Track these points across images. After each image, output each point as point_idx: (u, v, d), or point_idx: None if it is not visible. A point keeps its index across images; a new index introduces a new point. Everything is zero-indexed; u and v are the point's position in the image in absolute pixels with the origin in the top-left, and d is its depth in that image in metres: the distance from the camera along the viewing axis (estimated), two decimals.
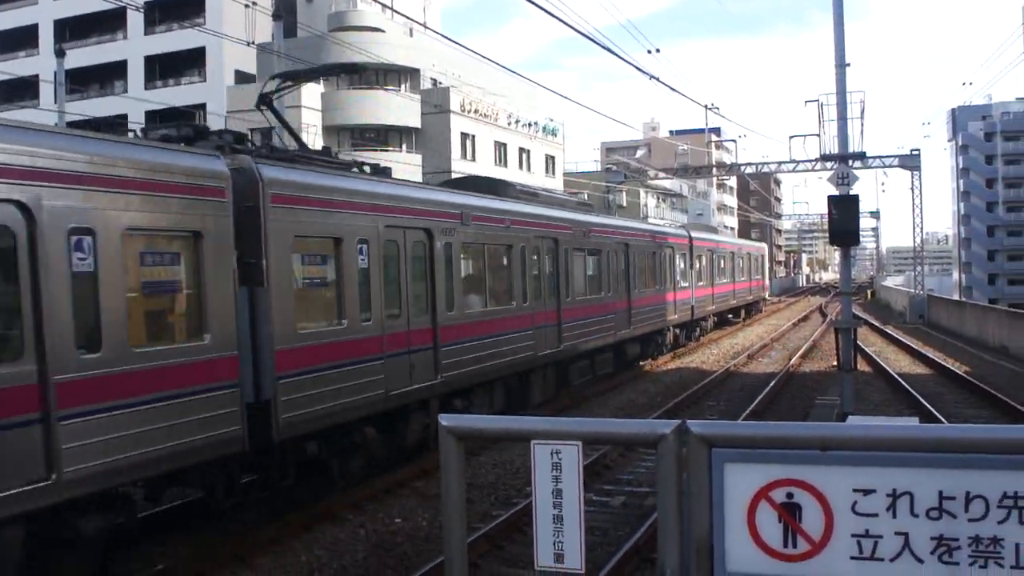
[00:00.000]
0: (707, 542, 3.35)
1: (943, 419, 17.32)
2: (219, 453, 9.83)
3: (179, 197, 9.39)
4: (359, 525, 11.60)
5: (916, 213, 53.02)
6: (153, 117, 56.30)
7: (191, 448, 9.30)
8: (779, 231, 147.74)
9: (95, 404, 8.26)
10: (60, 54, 32.51)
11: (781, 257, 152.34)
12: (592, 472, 13.58)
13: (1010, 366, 26.81)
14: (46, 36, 63.89)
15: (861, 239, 39.20)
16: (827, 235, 23.75)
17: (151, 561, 9.85)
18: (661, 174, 61.84)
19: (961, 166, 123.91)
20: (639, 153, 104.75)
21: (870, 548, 3.26)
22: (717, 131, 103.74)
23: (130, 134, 12.64)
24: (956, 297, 61.62)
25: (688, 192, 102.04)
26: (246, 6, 28.49)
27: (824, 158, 24.70)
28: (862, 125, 21.86)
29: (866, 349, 29.88)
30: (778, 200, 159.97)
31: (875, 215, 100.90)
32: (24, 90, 62.19)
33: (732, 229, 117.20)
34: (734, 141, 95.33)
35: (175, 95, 57.29)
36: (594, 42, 20.12)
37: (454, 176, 40.03)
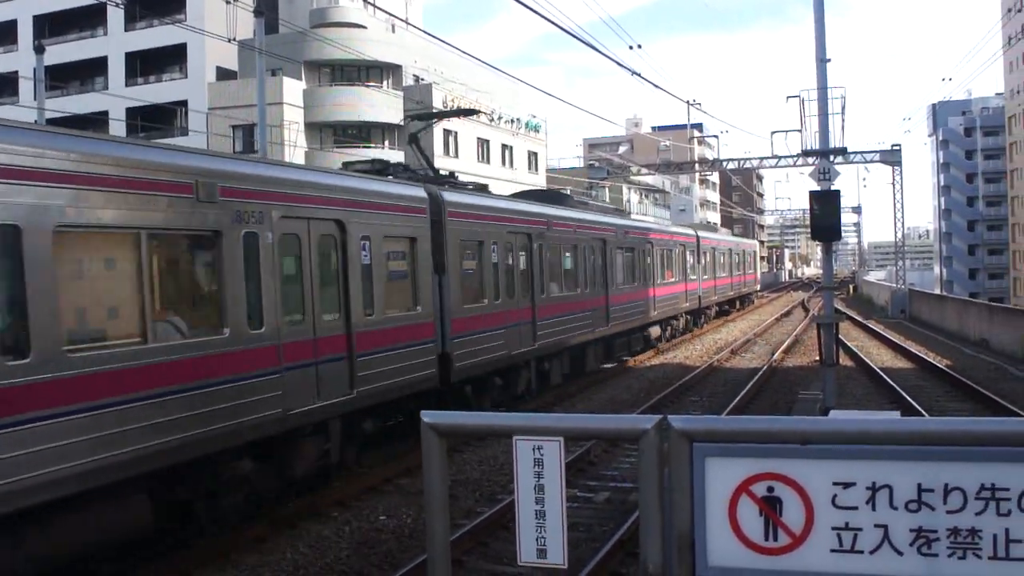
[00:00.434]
0: (688, 536, 3.37)
1: (924, 412, 17.44)
2: (425, 387, 14.57)
3: (405, 214, 14.30)
4: (344, 523, 11.59)
5: (897, 208, 53.35)
6: (134, 114, 56.02)
7: (414, 380, 14.08)
8: (761, 227, 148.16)
9: (371, 349, 12.85)
10: (40, 50, 32.23)
11: (763, 253, 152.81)
12: (576, 468, 13.60)
13: (990, 359, 27.03)
14: (25, 32, 63.38)
15: (843, 234, 39.45)
16: (809, 230, 23.89)
17: (136, 563, 9.81)
18: (644, 170, 61.93)
19: (941, 161, 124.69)
20: (622, 149, 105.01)
21: (850, 541, 3.28)
22: (699, 127, 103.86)
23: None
24: (937, 291, 62.05)
25: (671, 188, 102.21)
26: (227, 2, 28.34)
27: (806, 154, 24.83)
28: (843, 121, 22.00)
29: (848, 344, 30.04)
30: (760, 196, 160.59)
31: (857, 210, 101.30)
32: (3, 87, 61.76)
33: (715, 225, 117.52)
34: (716, 137, 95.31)
35: (156, 92, 56.99)
36: (576, 38, 20.11)
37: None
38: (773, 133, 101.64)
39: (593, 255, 23.66)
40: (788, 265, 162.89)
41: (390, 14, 48.07)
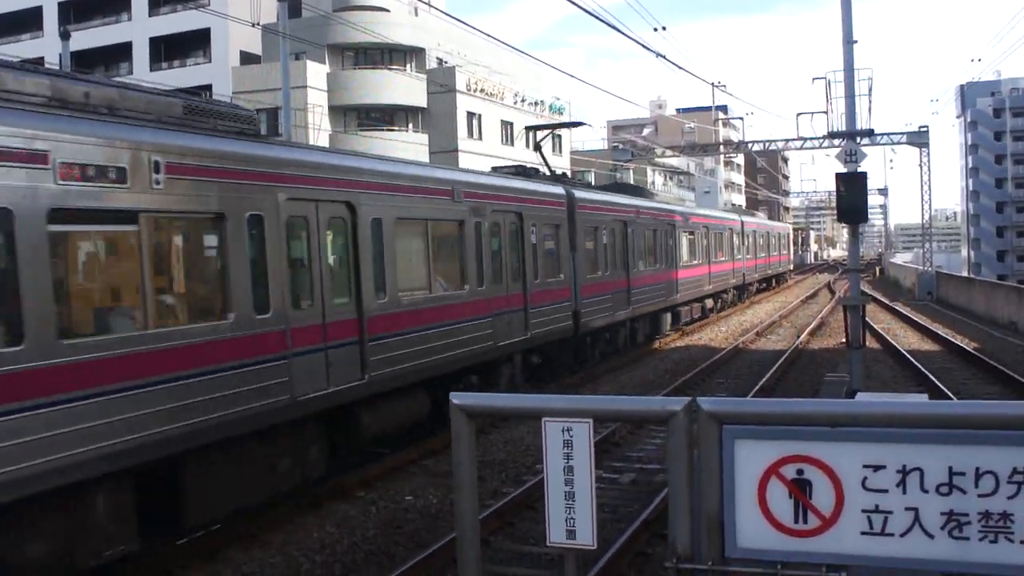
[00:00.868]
0: (718, 518, 3.37)
1: (952, 395, 17.32)
2: (565, 336, 19.79)
3: (553, 207, 19.43)
4: (370, 503, 11.67)
5: (924, 190, 52.85)
6: None
7: (561, 329, 19.40)
8: (787, 209, 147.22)
9: (539, 304, 18.11)
10: (65, 36, 32.42)
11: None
12: (601, 449, 13.62)
13: (1019, 342, 26.76)
14: (50, 18, 63.72)
15: (869, 216, 39.24)
16: (835, 212, 23.77)
17: (161, 543, 9.91)
18: (668, 152, 61.64)
19: (970, 142, 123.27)
20: (646, 131, 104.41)
21: (880, 524, 3.28)
22: (724, 109, 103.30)
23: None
24: (965, 274, 61.51)
25: (695, 170, 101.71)
26: None
27: (832, 135, 24.62)
28: (870, 102, 21.87)
29: (875, 326, 29.84)
30: (786, 178, 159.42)
31: (883, 192, 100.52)
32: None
33: (739, 206, 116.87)
34: (741, 119, 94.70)
35: (180, 77, 57.14)
36: (600, 20, 20.02)
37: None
38: (799, 115, 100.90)
39: (666, 238, 28.54)
40: (813, 247, 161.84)
41: None
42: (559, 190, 20.11)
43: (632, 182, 65.31)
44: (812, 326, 31.93)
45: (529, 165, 22.54)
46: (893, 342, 26.46)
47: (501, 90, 59.60)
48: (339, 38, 53.19)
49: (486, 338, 15.64)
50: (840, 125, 20.99)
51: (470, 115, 56.06)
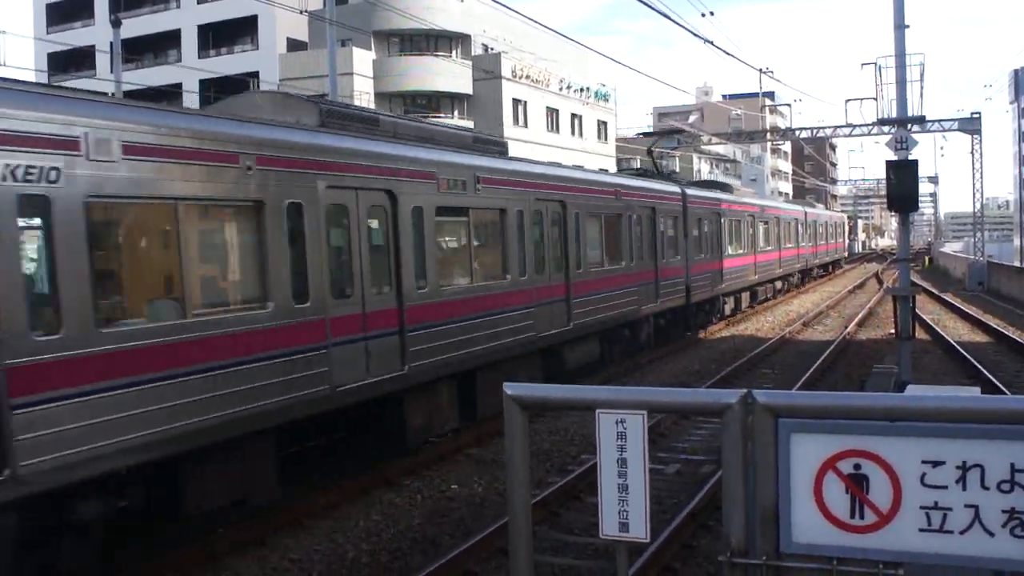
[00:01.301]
0: (773, 512, 3.33)
1: (1005, 388, 17.04)
2: (679, 304, 24.24)
3: (673, 202, 23.96)
4: (415, 491, 11.73)
5: (976, 178, 52.01)
6: (206, 86, 56.78)
7: (677, 300, 23.79)
8: (834, 197, 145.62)
9: (667, 278, 23.02)
10: (116, 24, 32.82)
11: None
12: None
13: None
14: (101, 6, 64.48)
15: (919, 205, 38.78)
16: (884, 200, 23.50)
17: (213, 527, 10.04)
18: (714, 139, 61.15)
19: (1023, 129, 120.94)
20: (692, 118, 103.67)
21: (939, 520, 3.22)
22: (771, 95, 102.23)
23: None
24: (1017, 263, 60.36)
25: (741, 157, 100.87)
26: None
27: (882, 122, 24.30)
28: (921, 88, 21.52)
29: (924, 317, 29.43)
30: (833, 165, 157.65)
31: (934, 180, 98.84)
32: (81, 60, 62.94)
33: (786, 195, 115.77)
34: (788, 105, 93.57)
35: (228, 64, 57.65)
36: (647, 5, 19.82)
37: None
38: (847, 101, 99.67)
39: (748, 227, 33.20)
40: (861, 236, 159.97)
41: None
42: (676, 188, 25.03)
43: (678, 169, 65.04)
44: (860, 316, 31.58)
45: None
46: (943, 333, 26.09)
47: (547, 76, 59.45)
48: (385, 24, 53.36)
49: (633, 303, 20.78)
50: (890, 112, 20.69)
51: (515, 102, 56.02)
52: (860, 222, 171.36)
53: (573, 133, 62.60)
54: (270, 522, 10.20)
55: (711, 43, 26.17)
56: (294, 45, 58.85)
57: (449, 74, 54.60)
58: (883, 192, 24.87)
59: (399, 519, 10.64)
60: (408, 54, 55.62)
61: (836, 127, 49.64)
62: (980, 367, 19.43)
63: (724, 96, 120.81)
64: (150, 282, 9.07)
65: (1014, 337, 25.09)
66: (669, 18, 23.36)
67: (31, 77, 51.88)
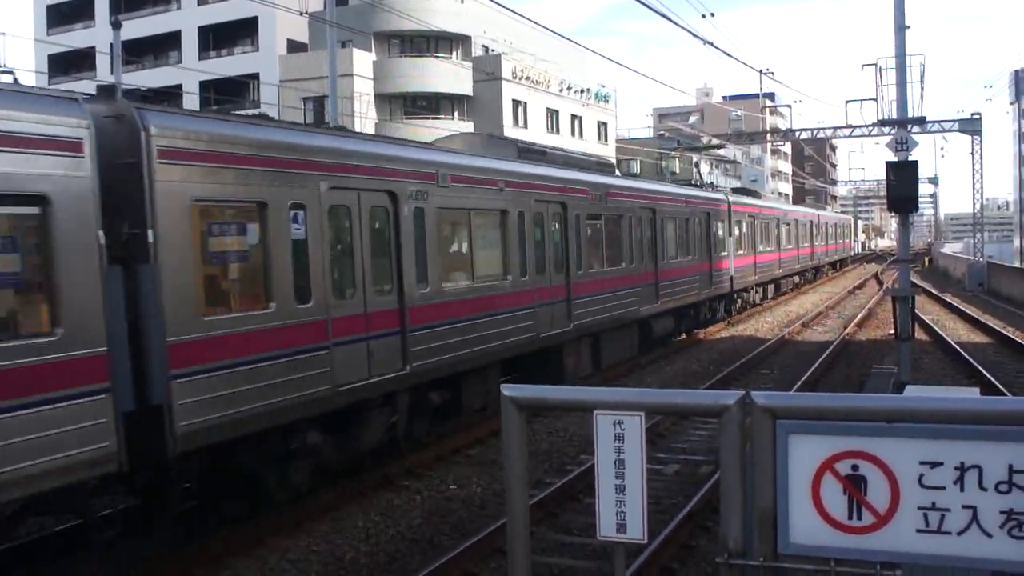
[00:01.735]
0: (770, 513, 3.33)
1: (1005, 389, 17.02)
2: (725, 292, 29.82)
3: (718, 208, 29.33)
4: (415, 492, 11.73)
5: (976, 179, 52.00)
6: (207, 87, 56.78)
7: (720, 290, 29.21)
8: (834, 197, 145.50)
9: (717, 269, 28.72)
10: (116, 26, 32.73)
11: None
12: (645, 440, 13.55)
13: None
14: (102, 8, 64.48)
15: (919, 205, 38.97)
16: (884, 201, 23.50)
17: (210, 530, 10.04)
18: (714, 140, 61.12)
19: (1023, 130, 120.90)
20: (692, 119, 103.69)
21: (937, 521, 3.21)
22: (771, 96, 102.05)
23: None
24: (1017, 264, 60.31)
25: (741, 158, 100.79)
26: None
27: (882, 123, 24.31)
28: (921, 89, 21.54)
29: (923, 317, 29.42)
30: (833, 166, 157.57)
31: (934, 181, 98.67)
32: (82, 61, 62.93)
33: (786, 196, 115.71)
34: (789, 106, 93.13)
35: (228, 65, 57.64)
36: (647, 6, 19.82)
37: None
38: (848, 102, 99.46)
39: (775, 228, 38.50)
40: (861, 237, 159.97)
41: None
42: (723, 196, 31.02)
43: (677, 170, 65.04)
44: (859, 317, 31.58)
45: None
46: (942, 334, 26.09)
47: (547, 78, 59.43)
48: (385, 26, 53.34)
49: (695, 289, 25.64)
50: (890, 112, 20.69)
51: (515, 103, 56.00)
52: (860, 223, 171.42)
53: (573, 134, 62.56)
54: (268, 525, 10.19)
55: (711, 44, 26.17)
56: (294, 46, 58.85)
57: (449, 75, 54.58)
58: (883, 193, 24.86)
59: (399, 519, 10.64)
60: (408, 55, 55.61)
61: (836, 128, 49.59)
62: (980, 368, 19.42)
63: (724, 97, 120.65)
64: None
65: (1014, 338, 25.08)
66: (669, 19, 23.36)
67: (31, 79, 51.83)
